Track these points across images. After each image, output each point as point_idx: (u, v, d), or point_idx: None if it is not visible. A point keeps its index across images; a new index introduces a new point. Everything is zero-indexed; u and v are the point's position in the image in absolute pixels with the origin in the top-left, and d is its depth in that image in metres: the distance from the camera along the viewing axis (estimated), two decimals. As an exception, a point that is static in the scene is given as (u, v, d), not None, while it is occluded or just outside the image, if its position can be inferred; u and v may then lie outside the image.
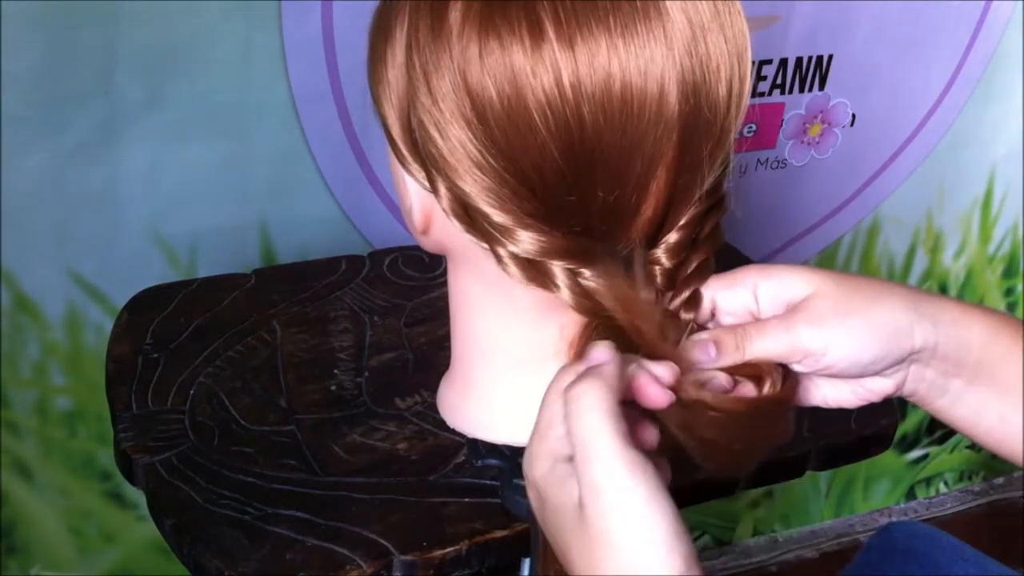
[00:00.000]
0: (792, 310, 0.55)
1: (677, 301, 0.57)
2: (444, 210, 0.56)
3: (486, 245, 0.56)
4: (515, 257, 0.55)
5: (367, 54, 0.59)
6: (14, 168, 0.89)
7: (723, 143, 0.55)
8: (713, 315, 0.58)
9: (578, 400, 0.47)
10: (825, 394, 0.58)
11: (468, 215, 0.56)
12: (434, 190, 0.56)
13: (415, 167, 0.57)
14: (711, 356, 0.54)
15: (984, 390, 0.56)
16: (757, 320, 0.56)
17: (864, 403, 0.58)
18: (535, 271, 0.55)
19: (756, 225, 1.25)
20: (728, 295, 0.57)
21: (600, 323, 0.57)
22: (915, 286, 0.57)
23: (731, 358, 0.54)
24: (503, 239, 0.55)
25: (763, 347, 0.54)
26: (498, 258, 0.55)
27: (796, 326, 0.54)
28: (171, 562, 1.10)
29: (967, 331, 0.55)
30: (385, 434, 0.69)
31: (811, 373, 0.56)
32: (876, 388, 0.57)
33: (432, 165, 0.55)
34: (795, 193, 1.26)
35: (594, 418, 0.47)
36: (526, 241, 0.54)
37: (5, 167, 0.89)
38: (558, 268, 0.55)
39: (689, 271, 0.57)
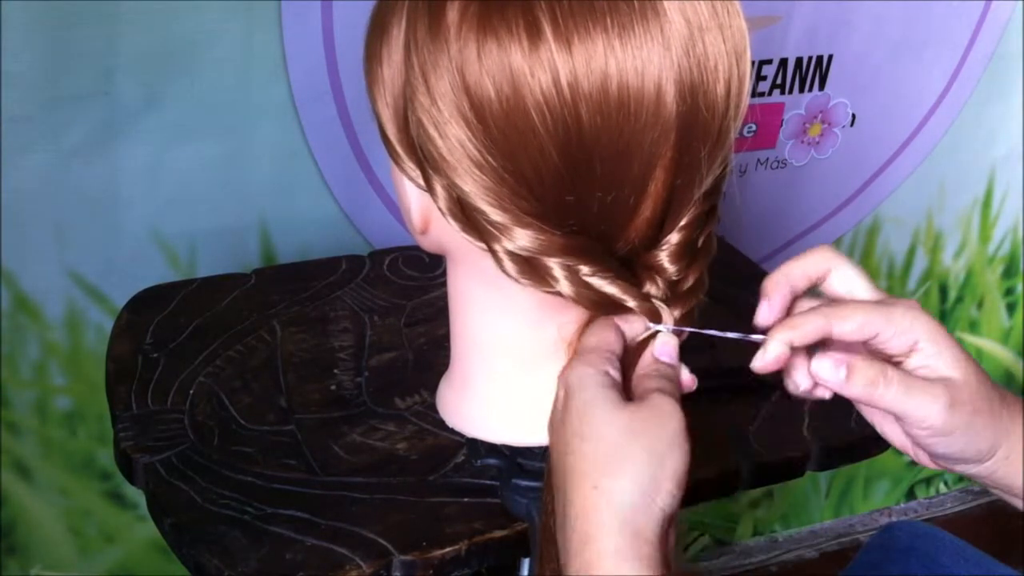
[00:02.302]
0: (937, 382, 0.54)
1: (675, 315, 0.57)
2: (440, 209, 0.56)
3: (483, 245, 0.56)
4: (511, 254, 0.55)
5: (363, 53, 0.59)
6: (14, 168, 0.89)
7: (722, 143, 0.55)
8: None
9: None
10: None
11: (465, 214, 0.56)
12: (430, 189, 0.56)
13: (410, 166, 0.57)
14: (839, 377, 0.53)
15: None
16: (900, 368, 0.54)
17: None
18: (531, 268, 0.55)
19: (756, 225, 1.25)
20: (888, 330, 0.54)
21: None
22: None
23: (859, 390, 0.53)
24: (500, 236, 0.55)
25: (900, 400, 0.53)
26: (494, 255, 0.55)
27: (941, 400, 0.53)
28: (171, 562, 1.10)
29: None
30: (385, 434, 0.69)
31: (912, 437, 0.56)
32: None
33: (430, 164, 0.55)
34: (795, 193, 1.26)
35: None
36: (524, 239, 0.54)
37: (5, 167, 0.89)
38: (555, 264, 0.55)
39: (686, 287, 0.58)
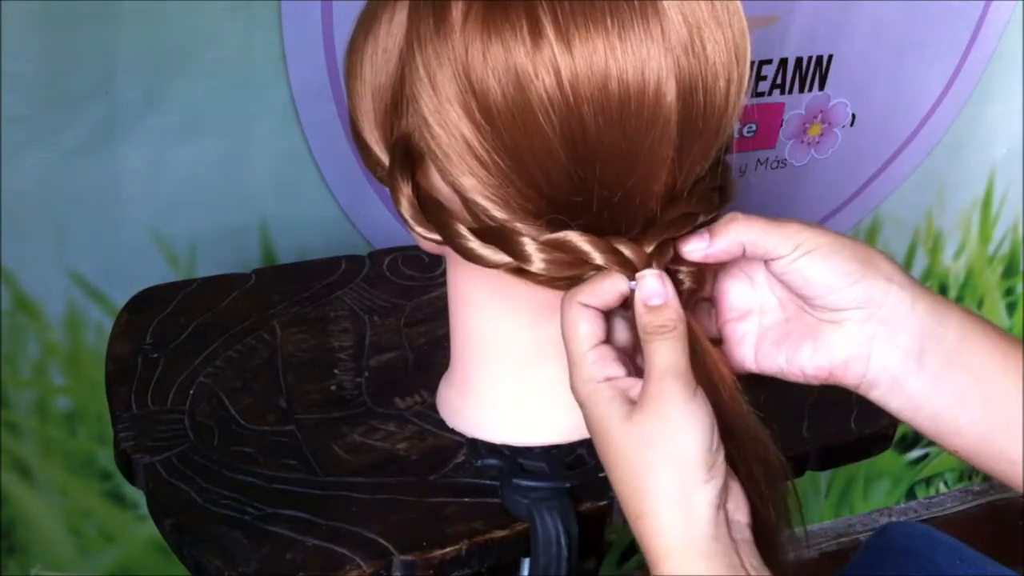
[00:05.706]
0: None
1: (651, 247, 0.54)
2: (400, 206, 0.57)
3: (438, 236, 0.56)
4: (474, 231, 0.55)
5: (346, 58, 0.59)
6: (14, 168, 0.89)
7: (720, 142, 0.55)
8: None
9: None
10: (780, 363, 0.58)
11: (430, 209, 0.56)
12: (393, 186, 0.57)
13: (381, 160, 0.58)
14: (705, 242, 0.55)
15: (964, 374, 0.53)
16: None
17: (817, 377, 0.57)
18: (499, 239, 0.54)
19: (756, 225, 1.25)
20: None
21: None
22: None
23: (722, 240, 0.55)
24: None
25: (748, 231, 0.55)
26: (454, 239, 0.55)
27: (789, 223, 0.56)
28: (171, 562, 1.10)
29: (945, 311, 0.54)
30: (385, 434, 0.69)
31: (781, 280, 0.56)
32: (836, 350, 0.55)
33: (435, 164, 0.55)
34: (795, 193, 1.26)
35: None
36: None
37: (5, 167, 0.89)
38: (527, 238, 0.54)
39: (667, 219, 0.55)
